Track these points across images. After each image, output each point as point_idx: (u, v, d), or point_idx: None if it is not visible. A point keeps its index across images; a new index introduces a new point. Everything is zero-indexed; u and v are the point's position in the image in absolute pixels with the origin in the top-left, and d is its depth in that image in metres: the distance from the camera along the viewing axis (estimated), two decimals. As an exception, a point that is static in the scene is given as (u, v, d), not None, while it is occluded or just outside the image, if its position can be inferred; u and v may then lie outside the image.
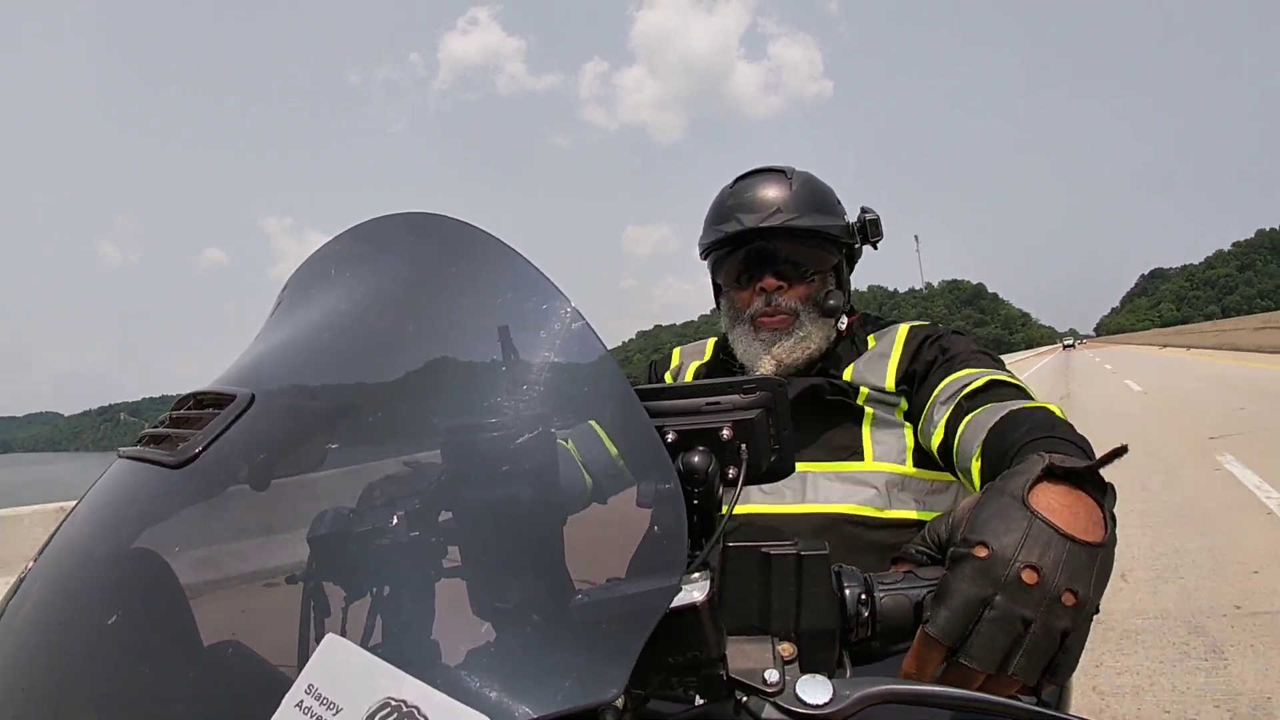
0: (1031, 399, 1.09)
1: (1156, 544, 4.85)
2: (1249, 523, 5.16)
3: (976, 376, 1.16)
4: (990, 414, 1.04)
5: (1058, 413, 1.00)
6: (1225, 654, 3.24)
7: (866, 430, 1.28)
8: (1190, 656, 3.25)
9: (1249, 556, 4.48)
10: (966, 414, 1.10)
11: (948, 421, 1.14)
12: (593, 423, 0.62)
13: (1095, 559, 0.61)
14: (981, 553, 0.60)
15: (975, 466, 1.03)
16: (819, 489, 1.23)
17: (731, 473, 0.66)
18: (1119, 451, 0.67)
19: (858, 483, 1.24)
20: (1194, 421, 10.43)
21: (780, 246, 1.37)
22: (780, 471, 0.70)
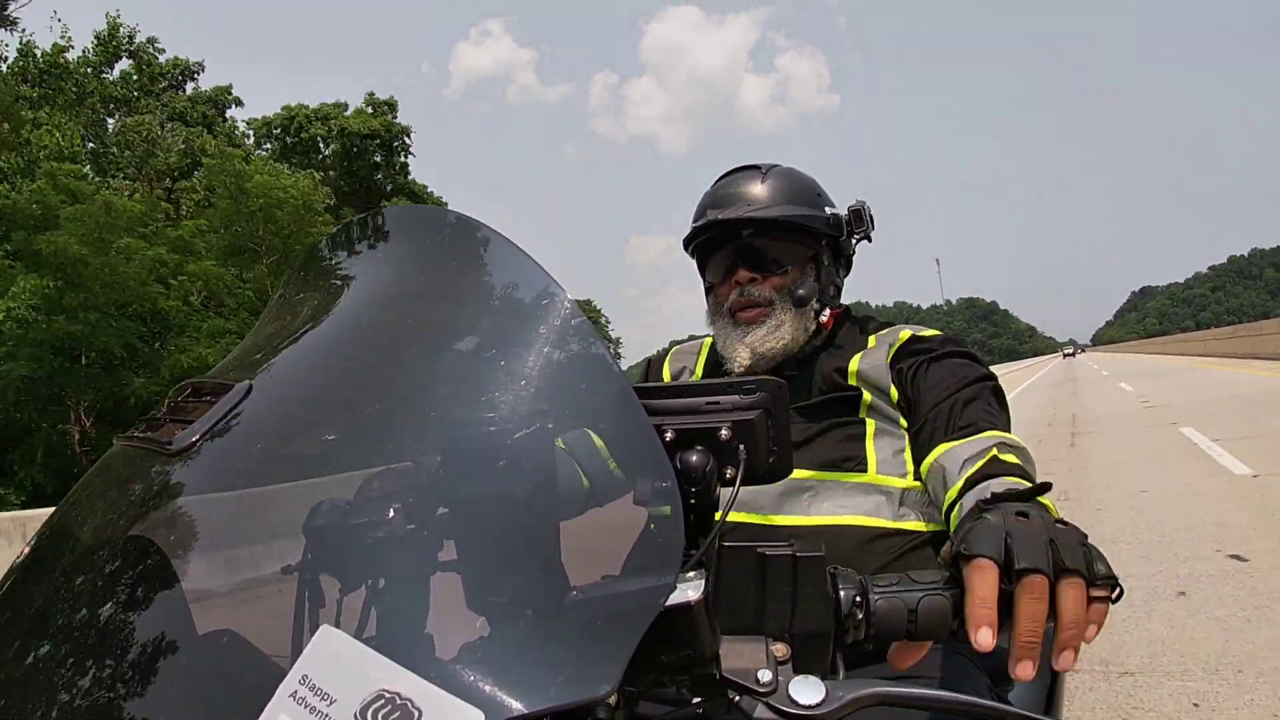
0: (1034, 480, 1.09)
1: None
2: None
3: (990, 448, 1.13)
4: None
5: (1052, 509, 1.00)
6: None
7: (870, 442, 1.28)
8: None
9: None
10: (962, 502, 1.08)
11: (960, 505, 1.11)
12: (589, 431, 0.62)
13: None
14: (983, 515, 0.72)
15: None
16: (823, 500, 1.22)
17: (729, 473, 0.66)
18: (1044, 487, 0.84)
19: (864, 494, 1.23)
20: None
21: (754, 240, 1.39)
22: (779, 472, 0.70)
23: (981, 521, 0.71)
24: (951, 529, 1.10)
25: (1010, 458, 1.11)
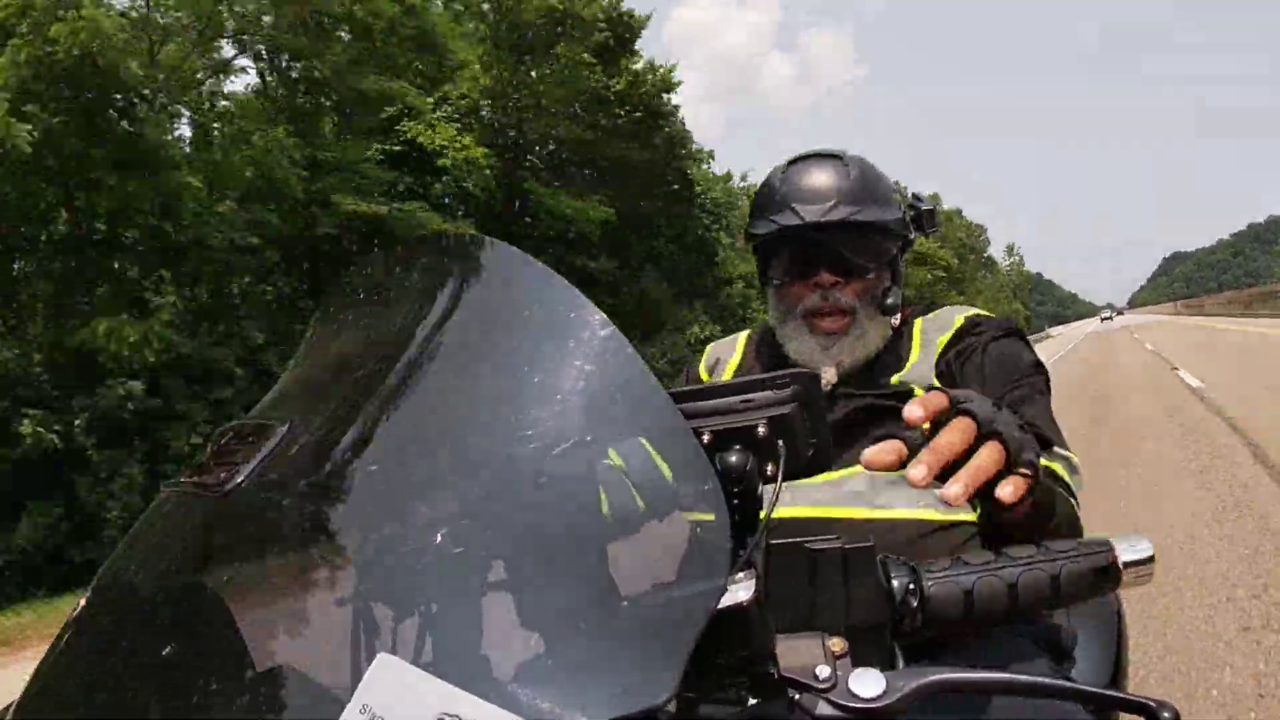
0: (1071, 480, 1.10)
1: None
2: None
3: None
4: None
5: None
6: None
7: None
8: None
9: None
10: None
11: None
12: (643, 440, 0.62)
13: None
14: None
15: None
16: (878, 495, 1.20)
17: (770, 469, 0.66)
18: None
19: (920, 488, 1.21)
20: None
21: (837, 240, 1.29)
22: (819, 465, 0.69)
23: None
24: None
25: (1054, 465, 1.10)
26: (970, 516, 1.18)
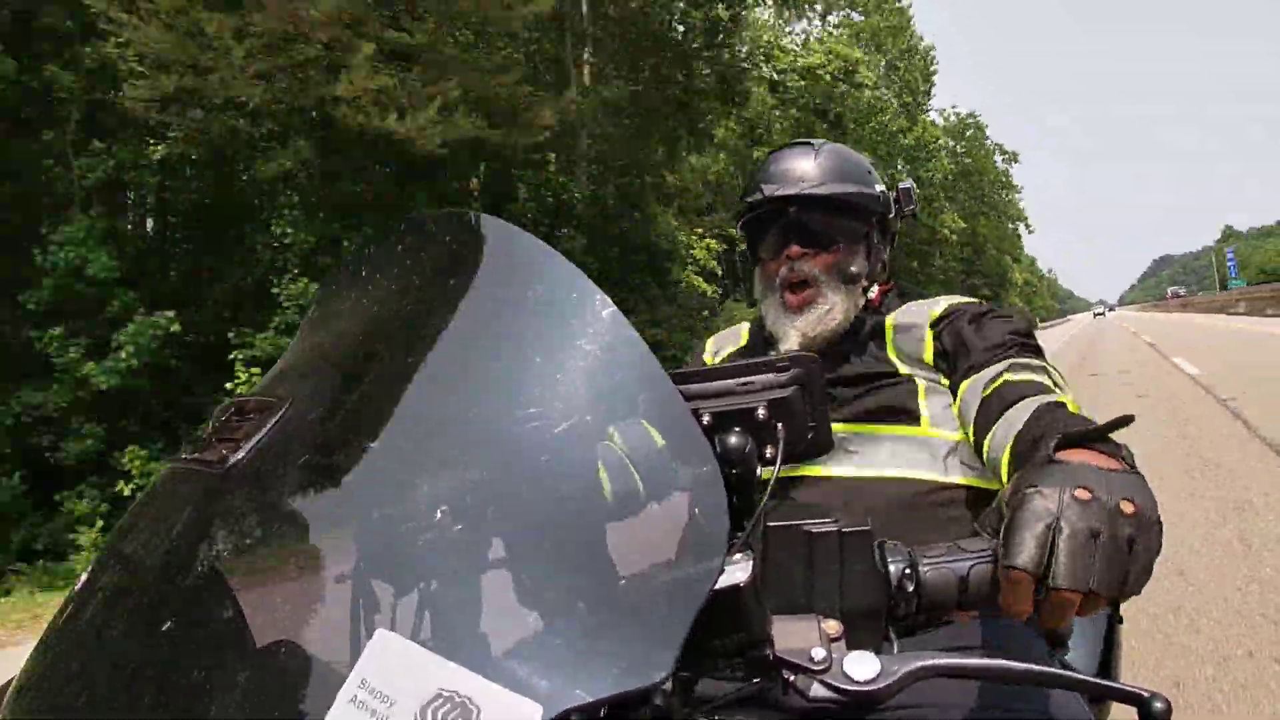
0: (1055, 389, 1.11)
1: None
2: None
3: (1002, 371, 1.17)
4: (1019, 412, 1.05)
5: (1075, 408, 1.04)
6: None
7: (921, 398, 1.28)
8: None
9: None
10: (995, 416, 1.10)
11: (976, 422, 1.15)
12: (644, 422, 0.62)
13: (1140, 478, 0.65)
14: (1034, 495, 0.63)
15: (1005, 459, 1.03)
16: (873, 453, 1.23)
17: (769, 452, 0.66)
18: (1125, 420, 0.73)
19: (915, 447, 1.24)
20: None
21: (805, 215, 1.40)
22: (818, 448, 0.69)
23: (1029, 509, 0.64)
24: (984, 456, 1.12)
25: (1023, 376, 1.13)
26: (960, 479, 1.21)
